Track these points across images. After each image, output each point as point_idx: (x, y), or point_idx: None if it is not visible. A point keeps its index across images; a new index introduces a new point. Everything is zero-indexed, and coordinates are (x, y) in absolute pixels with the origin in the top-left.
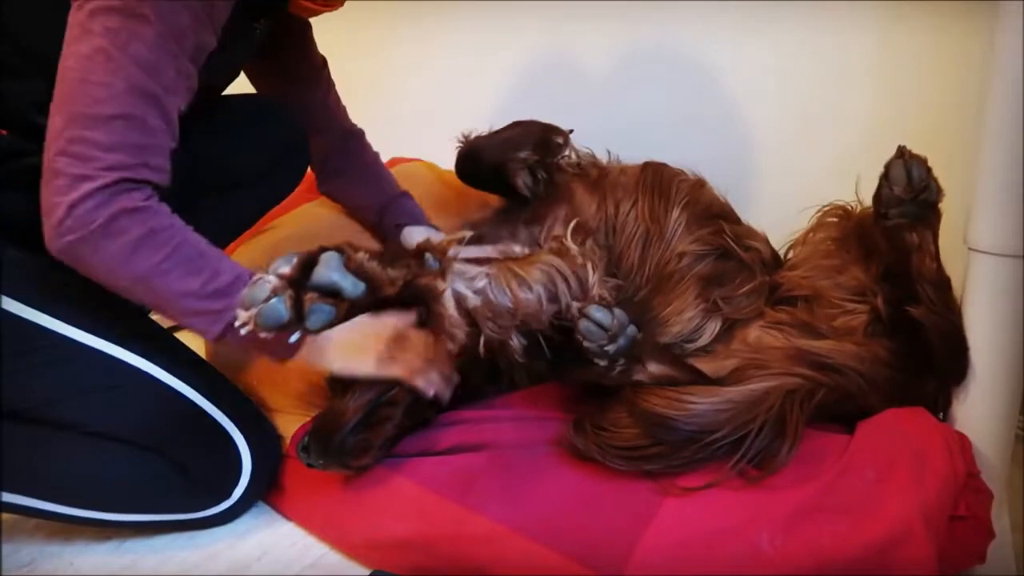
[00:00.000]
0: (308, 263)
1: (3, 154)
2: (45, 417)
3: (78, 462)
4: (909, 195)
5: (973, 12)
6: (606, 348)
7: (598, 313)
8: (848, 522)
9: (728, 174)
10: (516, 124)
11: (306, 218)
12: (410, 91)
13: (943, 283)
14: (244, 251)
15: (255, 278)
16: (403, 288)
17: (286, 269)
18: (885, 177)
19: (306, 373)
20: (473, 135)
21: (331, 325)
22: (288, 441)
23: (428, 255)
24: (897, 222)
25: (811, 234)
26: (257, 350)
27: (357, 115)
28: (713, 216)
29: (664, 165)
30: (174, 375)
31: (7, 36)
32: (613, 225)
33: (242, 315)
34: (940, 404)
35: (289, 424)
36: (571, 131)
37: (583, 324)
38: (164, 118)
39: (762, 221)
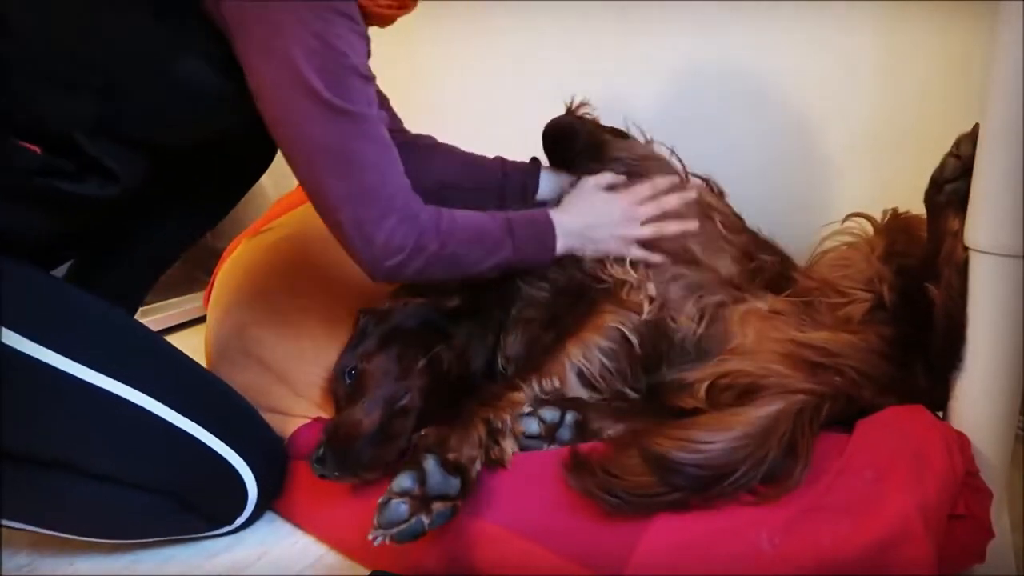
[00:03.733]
0: (422, 475)
1: (31, 172)
2: (42, 458)
3: (79, 499)
4: (973, 165)
5: (974, 12)
6: (551, 447)
7: (523, 425)
8: (847, 522)
9: (728, 173)
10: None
11: (306, 218)
12: (415, 92)
13: (965, 273)
14: (245, 251)
15: (385, 502)
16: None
17: (415, 490)
18: (955, 147)
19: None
20: (573, 109)
21: (448, 521)
22: (286, 442)
23: (492, 418)
24: (948, 199)
25: (831, 239)
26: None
27: None
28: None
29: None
30: (179, 412)
31: (59, 51)
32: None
33: (379, 533)
34: (936, 398)
35: (288, 426)
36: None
37: (520, 442)
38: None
39: (762, 221)
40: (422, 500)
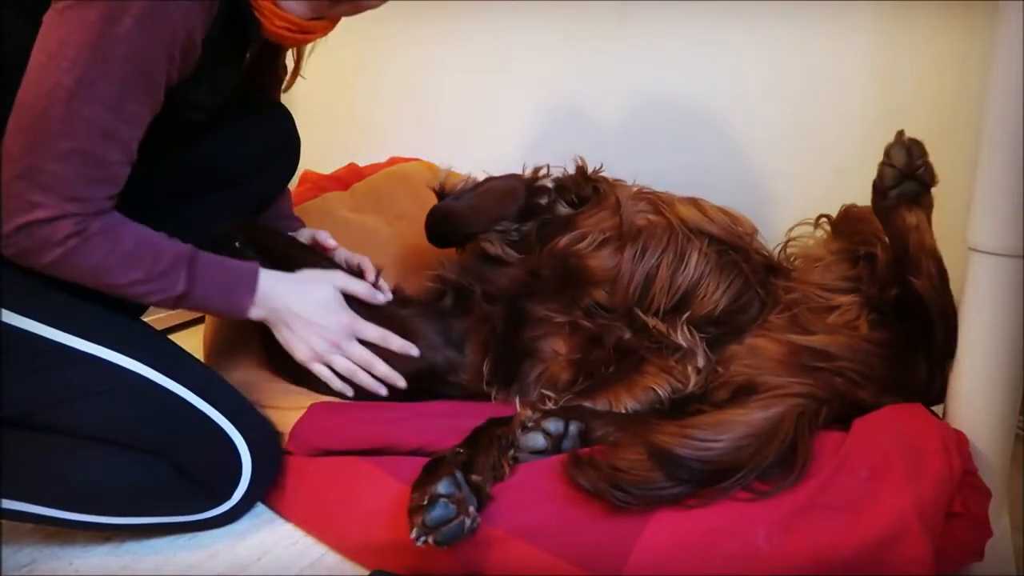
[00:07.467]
0: (458, 483)
1: None
2: (42, 423)
3: (77, 467)
4: (909, 171)
5: (973, 12)
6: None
7: (530, 441)
8: (845, 519)
9: (725, 175)
10: (492, 184)
11: (305, 217)
12: (414, 91)
13: (940, 259)
14: None
15: (431, 502)
16: None
17: (456, 493)
18: (887, 156)
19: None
20: (445, 189)
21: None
22: (286, 438)
23: (502, 436)
24: (896, 202)
25: (796, 240)
26: (214, 313)
27: (359, 114)
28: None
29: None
30: (170, 377)
31: None
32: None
33: (423, 532)
34: (934, 391)
35: (286, 420)
36: (553, 186)
37: (522, 456)
38: (122, 149)
39: (760, 222)
40: (465, 503)
